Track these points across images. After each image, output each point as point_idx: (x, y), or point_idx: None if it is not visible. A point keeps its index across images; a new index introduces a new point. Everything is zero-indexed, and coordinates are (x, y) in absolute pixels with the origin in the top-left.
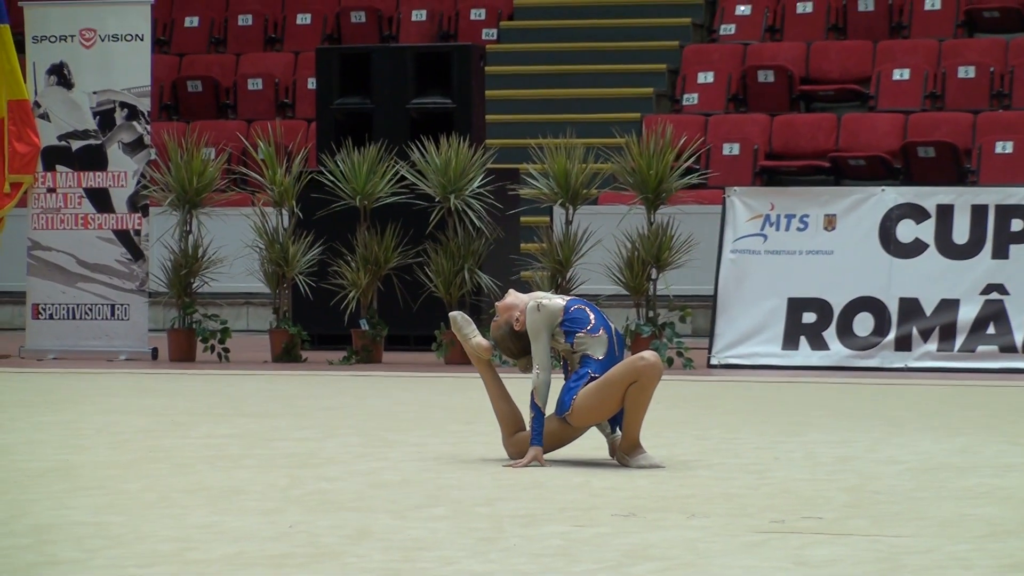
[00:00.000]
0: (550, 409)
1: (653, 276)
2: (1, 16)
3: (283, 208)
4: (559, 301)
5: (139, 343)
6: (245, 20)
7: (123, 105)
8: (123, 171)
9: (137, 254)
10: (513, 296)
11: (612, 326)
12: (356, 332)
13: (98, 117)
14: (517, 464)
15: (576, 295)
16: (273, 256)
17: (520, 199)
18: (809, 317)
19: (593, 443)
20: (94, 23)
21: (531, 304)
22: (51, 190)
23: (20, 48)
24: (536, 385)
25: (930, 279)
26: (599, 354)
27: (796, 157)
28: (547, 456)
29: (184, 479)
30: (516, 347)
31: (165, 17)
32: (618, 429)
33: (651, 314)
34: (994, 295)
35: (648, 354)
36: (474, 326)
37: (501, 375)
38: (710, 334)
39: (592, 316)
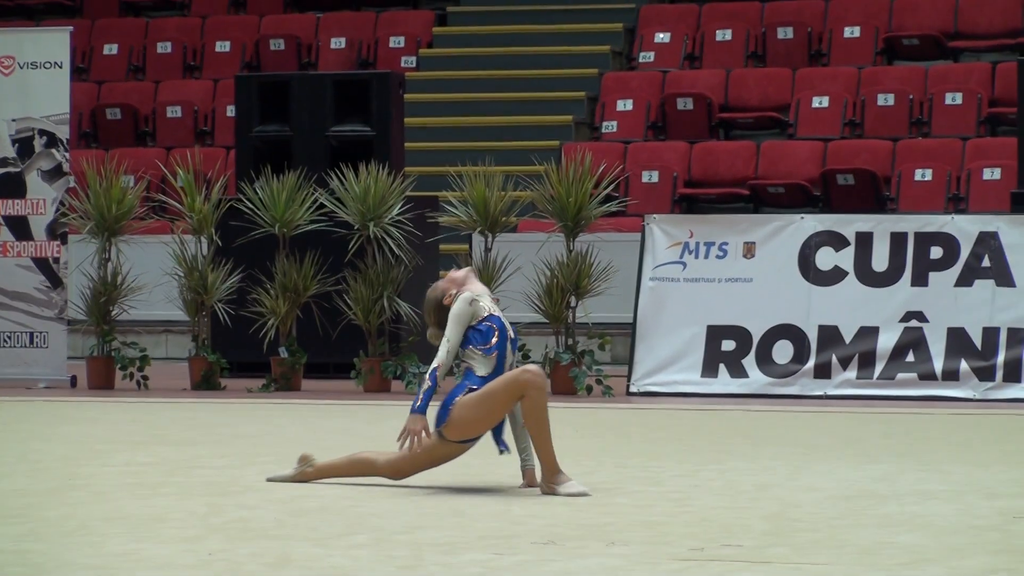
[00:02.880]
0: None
1: (572, 304)
2: None
3: (202, 236)
4: (485, 309)
5: (58, 371)
6: (164, 48)
7: (42, 132)
8: (42, 199)
9: (56, 282)
10: (464, 276)
11: (508, 355)
12: (275, 360)
13: (17, 145)
14: (401, 436)
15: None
16: (192, 284)
17: (439, 227)
18: (728, 344)
19: (512, 471)
20: (12, 50)
21: (467, 294)
22: None
23: None
24: (441, 361)
25: (849, 307)
26: (482, 371)
27: (715, 184)
28: (433, 477)
29: (104, 507)
30: (435, 318)
31: (84, 44)
32: (529, 456)
33: (570, 342)
34: (913, 322)
35: (531, 367)
36: None
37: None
38: (629, 362)
39: (495, 339)
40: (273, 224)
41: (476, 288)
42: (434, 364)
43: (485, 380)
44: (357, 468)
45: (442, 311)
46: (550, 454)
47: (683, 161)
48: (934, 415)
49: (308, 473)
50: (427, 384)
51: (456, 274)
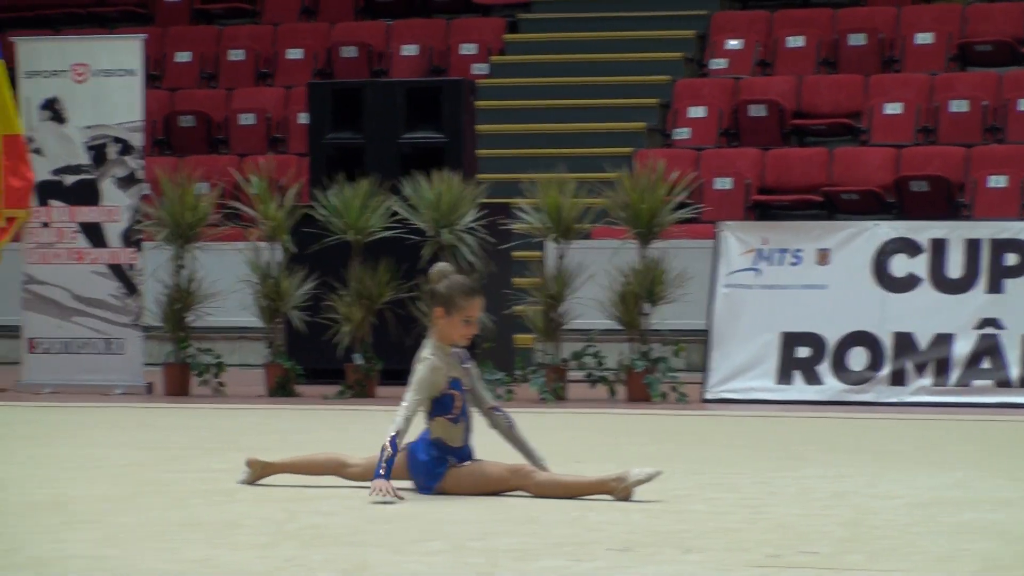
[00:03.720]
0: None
1: (646, 311)
2: None
3: (276, 243)
4: (442, 380)
5: (134, 377)
6: (236, 55)
7: (116, 140)
8: (116, 206)
9: (131, 288)
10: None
11: (469, 415)
12: (350, 367)
13: (91, 152)
14: (373, 494)
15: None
16: (267, 291)
17: (512, 234)
18: (803, 351)
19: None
20: (86, 58)
21: (432, 362)
22: (45, 224)
23: (13, 83)
24: (399, 427)
25: (924, 313)
26: (456, 442)
27: (788, 191)
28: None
29: (179, 513)
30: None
31: (157, 52)
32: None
33: (645, 348)
34: (989, 329)
35: (529, 470)
36: None
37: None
38: (704, 368)
39: (457, 407)
40: (346, 231)
41: (440, 338)
42: (392, 432)
43: (461, 451)
44: (329, 468)
45: (432, 300)
46: (590, 486)
47: (756, 168)
48: (1010, 422)
49: (274, 466)
50: (388, 452)
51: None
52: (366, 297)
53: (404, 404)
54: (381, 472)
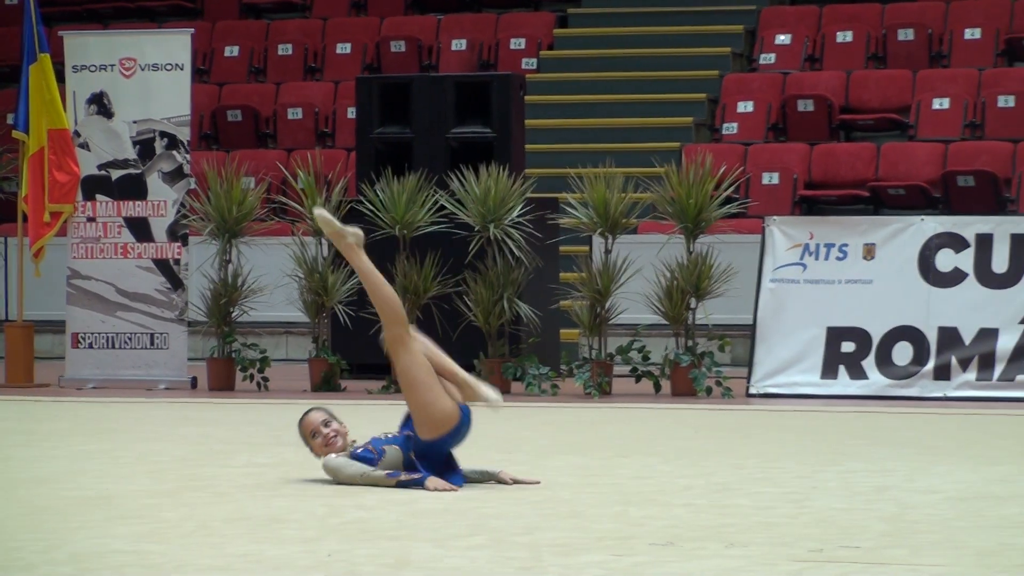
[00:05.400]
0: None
1: (692, 305)
2: (41, 45)
3: (322, 237)
4: (345, 453)
5: (178, 372)
6: (285, 49)
7: (163, 134)
8: (163, 200)
9: (176, 283)
10: (335, 440)
11: (400, 438)
12: None
13: (138, 146)
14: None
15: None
16: (312, 285)
17: (559, 228)
18: (848, 346)
19: (631, 472)
20: (134, 52)
21: (327, 459)
22: (91, 219)
23: (60, 77)
24: (378, 478)
25: (969, 308)
26: (398, 466)
27: (835, 186)
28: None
29: (223, 508)
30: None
31: (205, 46)
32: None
33: (690, 343)
34: None
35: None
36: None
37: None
38: (749, 363)
39: (376, 450)
40: (393, 226)
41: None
42: (381, 473)
43: (416, 462)
44: (391, 302)
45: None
46: (456, 370)
47: (803, 163)
48: None
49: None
50: (408, 476)
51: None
52: (412, 292)
53: (360, 474)
54: (415, 477)
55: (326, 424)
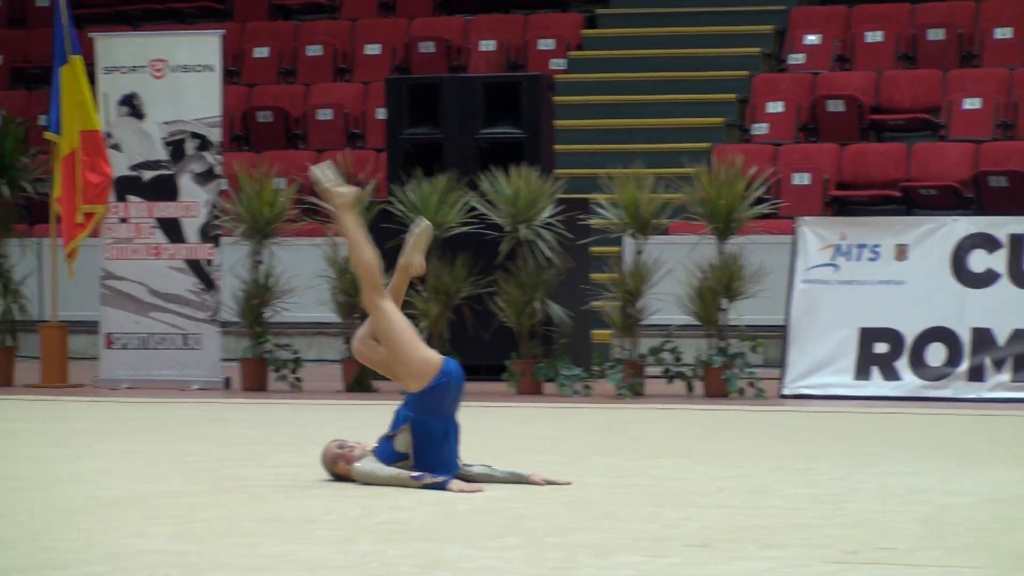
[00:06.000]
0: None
1: (724, 306)
2: (72, 47)
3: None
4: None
5: (211, 373)
6: (315, 51)
7: (194, 135)
8: (194, 201)
9: (209, 284)
10: (352, 452)
11: (398, 415)
12: None
13: (169, 148)
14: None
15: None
16: (344, 286)
17: (590, 229)
18: (881, 347)
19: (664, 473)
20: (164, 54)
21: (355, 466)
22: (123, 220)
23: (91, 79)
24: (404, 479)
25: (1003, 309)
26: (408, 445)
27: (867, 187)
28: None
29: (257, 508)
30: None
31: (235, 48)
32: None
33: (722, 344)
34: None
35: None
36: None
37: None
38: (782, 364)
39: (389, 433)
40: None
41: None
42: (407, 475)
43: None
44: (372, 265)
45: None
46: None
47: (834, 163)
48: None
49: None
50: (425, 477)
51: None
52: (443, 292)
53: (387, 475)
54: (439, 480)
55: (340, 447)
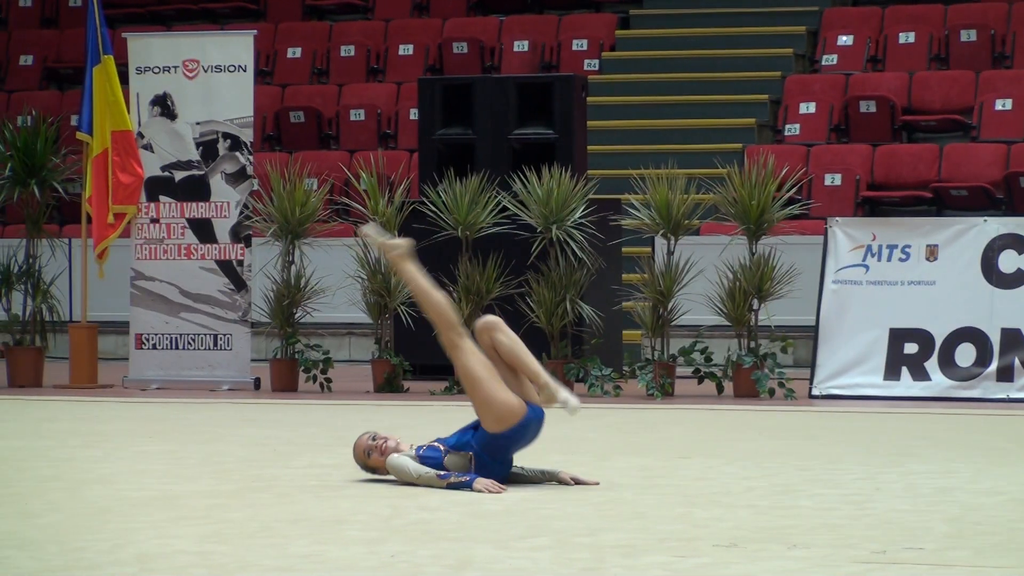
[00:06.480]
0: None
1: (755, 306)
2: (105, 47)
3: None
4: (409, 449)
5: (241, 373)
6: (348, 51)
7: (226, 136)
8: (226, 201)
9: (240, 284)
10: (386, 443)
11: (467, 433)
12: None
13: (201, 148)
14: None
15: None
16: (375, 286)
17: (622, 229)
18: (911, 348)
19: (693, 473)
20: (197, 54)
21: (391, 457)
22: (154, 220)
23: (123, 79)
24: (431, 478)
25: None
26: (463, 468)
27: (898, 187)
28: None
29: (287, 508)
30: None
31: (268, 48)
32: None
33: (753, 344)
34: None
35: (480, 323)
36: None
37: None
38: (811, 365)
39: (443, 446)
40: (456, 227)
41: (393, 447)
42: (433, 474)
43: (476, 470)
44: (443, 307)
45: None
46: (533, 367)
47: (866, 164)
48: None
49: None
50: (451, 477)
51: (380, 444)
52: (475, 293)
53: (415, 475)
54: (464, 480)
55: (373, 439)
